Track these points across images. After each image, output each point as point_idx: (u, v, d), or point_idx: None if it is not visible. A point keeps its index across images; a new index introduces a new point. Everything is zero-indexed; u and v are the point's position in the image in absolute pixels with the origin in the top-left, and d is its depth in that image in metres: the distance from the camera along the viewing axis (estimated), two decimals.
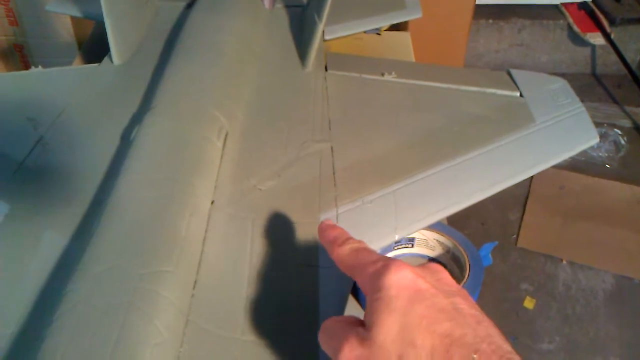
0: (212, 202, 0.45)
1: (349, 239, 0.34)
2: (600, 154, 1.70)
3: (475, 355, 0.26)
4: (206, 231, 0.42)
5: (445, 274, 0.32)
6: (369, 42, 0.85)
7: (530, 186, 1.60)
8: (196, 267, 0.39)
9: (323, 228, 0.36)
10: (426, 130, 0.55)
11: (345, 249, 0.34)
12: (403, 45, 0.85)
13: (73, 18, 1.30)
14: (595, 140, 0.56)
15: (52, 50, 1.46)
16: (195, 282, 0.39)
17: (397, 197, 0.48)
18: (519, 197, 1.60)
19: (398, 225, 0.46)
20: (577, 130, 0.56)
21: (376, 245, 0.45)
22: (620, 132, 1.77)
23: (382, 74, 0.63)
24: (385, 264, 0.30)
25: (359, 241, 0.34)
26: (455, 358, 0.26)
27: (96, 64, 0.64)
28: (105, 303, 0.34)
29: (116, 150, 0.51)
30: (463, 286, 0.50)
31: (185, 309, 0.36)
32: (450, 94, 0.61)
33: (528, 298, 1.40)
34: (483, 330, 0.28)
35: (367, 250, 0.33)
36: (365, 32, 0.83)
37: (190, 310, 0.37)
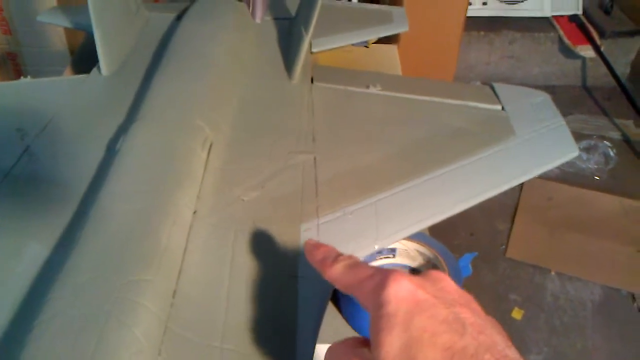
0: (195, 212, 0.45)
1: (338, 255, 0.33)
2: (590, 166, 1.71)
3: None
4: (187, 241, 0.43)
5: (447, 282, 0.30)
6: (356, 55, 0.86)
7: (519, 197, 1.61)
8: (176, 277, 0.40)
9: (309, 249, 0.35)
10: (409, 142, 0.56)
11: (338, 267, 0.32)
12: (390, 58, 0.87)
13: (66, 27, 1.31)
14: (574, 154, 0.57)
15: (45, 59, 1.46)
16: (175, 291, 0.39)
17: (378, 208, 0.49)
18: (508, 207, 1.61)
19: (378, 236, 0.47)
20: (557, 144, 0.57)
21: (357, 256, 0.46)
22: (609, 144, 1.78)
23: (367, 87, 0.64)
24: (382, 277, 0.29)
25: (349, 256, 0.33)
26: None
27: (85, 75, 0.65)
28: (84, 312, 0.34)
29: (101, 161, 0.52)
30: None
31: (164, 318, 0.37)
32: (433, 106, 0.62)
33: (516, 309, 1.40)
34: (486, 339, 0.27)
35: (360, 265, 0.32)
36: (353, 44, 0.84)
37: (169, 319, 0.37)
